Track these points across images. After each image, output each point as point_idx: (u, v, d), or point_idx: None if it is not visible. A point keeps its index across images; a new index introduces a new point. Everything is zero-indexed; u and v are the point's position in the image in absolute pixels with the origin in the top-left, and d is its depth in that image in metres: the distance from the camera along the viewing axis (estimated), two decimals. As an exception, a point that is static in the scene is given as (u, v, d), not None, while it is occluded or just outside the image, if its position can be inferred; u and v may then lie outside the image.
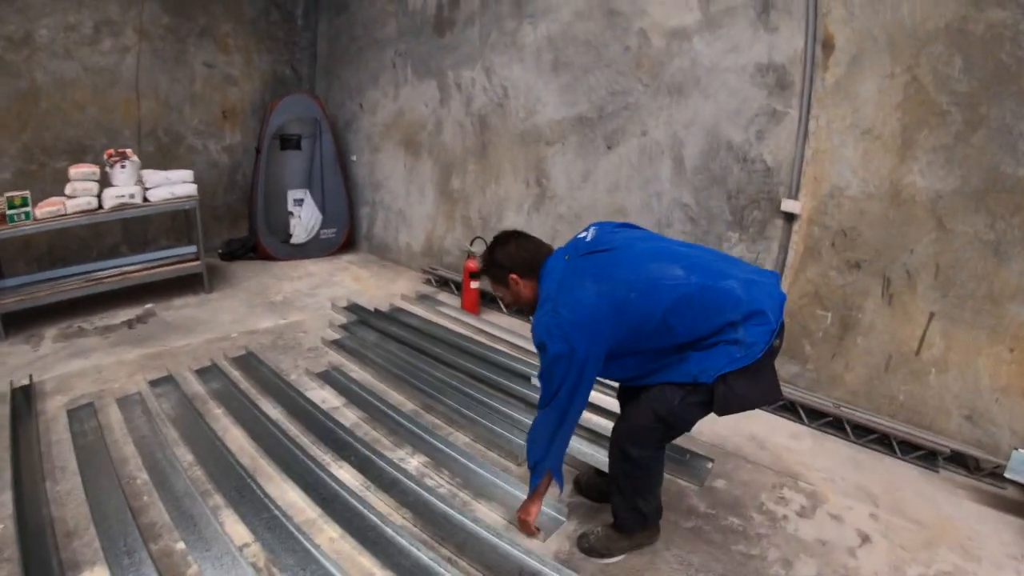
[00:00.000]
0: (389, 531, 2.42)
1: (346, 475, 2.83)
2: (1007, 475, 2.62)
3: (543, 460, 2.24)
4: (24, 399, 3.54)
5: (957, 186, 2.80)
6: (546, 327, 2.06)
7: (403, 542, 2.36)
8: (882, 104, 2.96)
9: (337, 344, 4.31)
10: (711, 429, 3.17)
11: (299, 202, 6.47)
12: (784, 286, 3.37)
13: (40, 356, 4.27)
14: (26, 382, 3.75)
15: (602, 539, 2.38)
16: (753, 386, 2.04)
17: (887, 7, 2.89)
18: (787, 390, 3.30)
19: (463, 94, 5.18)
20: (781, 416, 3.38)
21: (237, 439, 3.14)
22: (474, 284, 4.90)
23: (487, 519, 2.55)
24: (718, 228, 3.65)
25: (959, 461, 2.95)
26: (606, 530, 2.40)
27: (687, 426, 2.23)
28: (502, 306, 4.99)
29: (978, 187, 2.74)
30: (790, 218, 3.33)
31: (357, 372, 3.93)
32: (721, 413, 2.08)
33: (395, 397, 3.61)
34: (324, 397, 3.59)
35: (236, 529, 2.47)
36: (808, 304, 3.36)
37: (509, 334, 4.41)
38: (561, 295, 2.09)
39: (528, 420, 3.18)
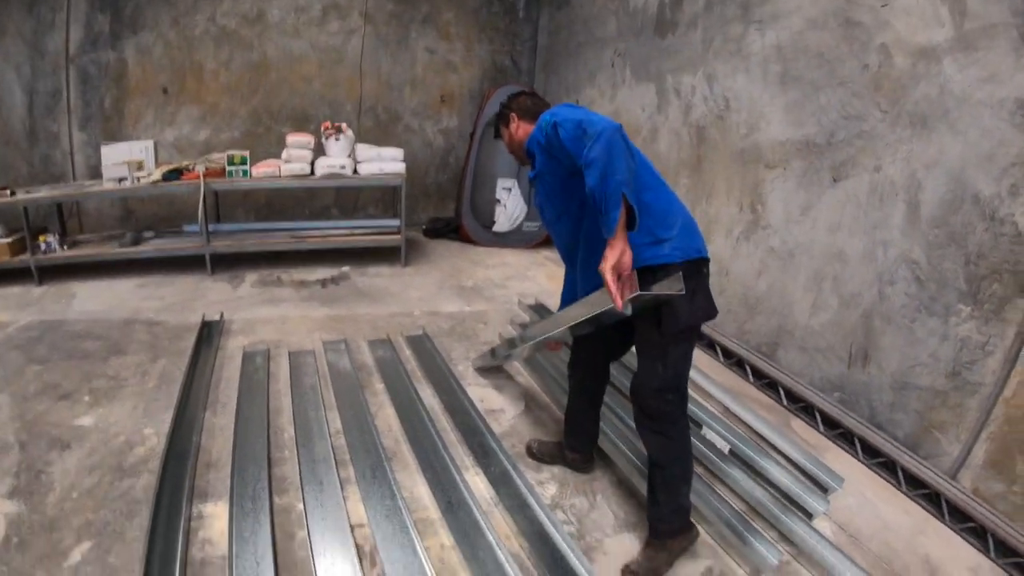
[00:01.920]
0: (501, 556, 2.55)
1: (480, 484, 3.06)
2: None
3: (613, 187, 2.06)
4: (211, 333, 4.47)
5: None
6: (545, 123, 2.39)
7: (510, 572, 2.46)
8: None
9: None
10: (882, 536, 3.00)
11: (507, 191, 7.11)
12: (1012, 383, 3.05)
13: (237, 296, 5.38)
14: (217, 318, 4.74)
15: (645, 566, 2.58)
16: (706, 299, 2.49)
17: None
18: (983, 512, 3.01)
19: (682, 101, 5.24)
20: (967, 540, 3.05)
21: (387, 418, 3.58)
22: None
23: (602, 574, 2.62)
24: (947, 297, 3.36)
25: None
26: (645, 553, 2.64)
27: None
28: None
29: None
30: None
31: (524, 377, 4.21)
32: (683, 324, 2.39)
33: (555, 413, 3.79)
34: (484, 396, 3.90)
35: (356, 508, 2.82)
36: None
37: (692, 370, 4.36)
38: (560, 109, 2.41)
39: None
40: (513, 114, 2.86)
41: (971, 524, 3.04)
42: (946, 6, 3.28)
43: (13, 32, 6.24)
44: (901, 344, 3.59)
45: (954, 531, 3.09)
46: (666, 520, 2.63)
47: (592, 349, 3.03)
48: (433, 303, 5.44)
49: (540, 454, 3.35)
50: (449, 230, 7.57)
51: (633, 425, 2.78)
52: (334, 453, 3.14)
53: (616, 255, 2.05)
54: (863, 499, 3.26)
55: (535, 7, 7.70)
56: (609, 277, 2.03)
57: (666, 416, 2.53)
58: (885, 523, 3.09)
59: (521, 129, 2.83)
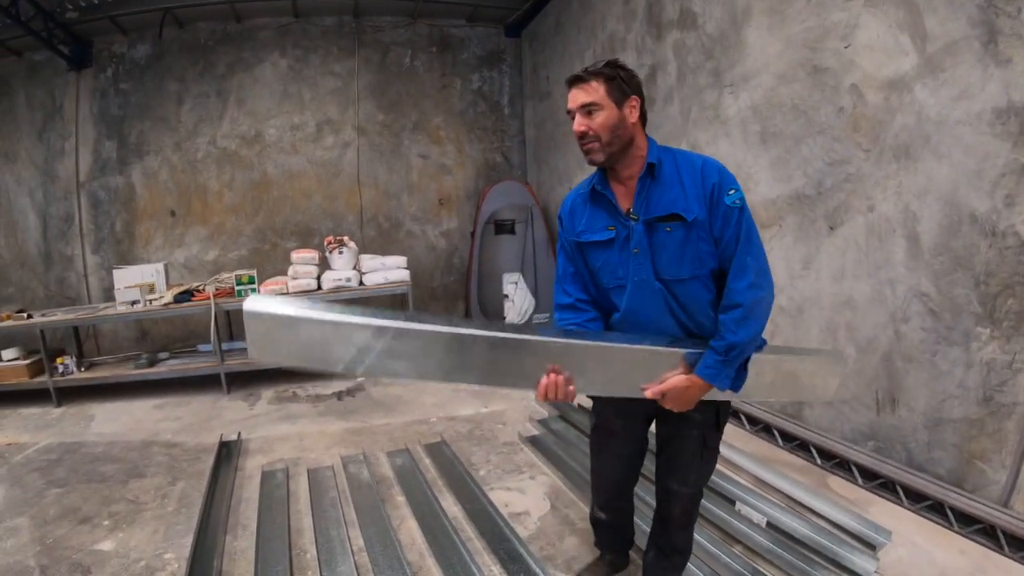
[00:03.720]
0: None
1: (508, 594, 2.93)
2: None
3: (750, 351, 2.14)
4: (229, 454, 4.46)
5: None
6: (734, 190, 2.12)
7: None
8: None
9: (533, 441, 4.55)
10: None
11: (514, 284, 7.20)
12: None
13: (254, 415, 5.37)
14: (234, 438, 4.72)
15: None
16: None
17: None
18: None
19: (669, 176, 5.30)
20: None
21: (411, 531, 3.47)
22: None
23: None
24: (965, 323, 3.25)
25: None
26: None
27: None
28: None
29: None
30: None
31: (548, 476, 4.08)
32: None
33: (581, 509, 3.64)
34: (508, 500, 3.78)
35: (384, 627, 2.70)
36: None
37: (747, 459, 4.20)
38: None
39: (724, 557, 3.04)
40: (635, 98, 2.13)
41: None
42: (906, 34, 3.35)
43: (25, 159, 6.60)
44: (926, 380, 3.46)
45: (1016, 561, 2.90)
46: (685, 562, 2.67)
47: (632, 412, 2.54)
48: (449, 407, 5.40)
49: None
50: None
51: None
52: (357, 572, 3.05)
53: (682, 399, 2.12)
54: (915, 548, 3.06)
55: (519, 102, 8.03)
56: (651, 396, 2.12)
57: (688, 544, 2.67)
58: (942, 570, 2.89)
59: (638, 128, 2.16)
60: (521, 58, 7.90)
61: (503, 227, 7.31)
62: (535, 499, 3.79)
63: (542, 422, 4.81)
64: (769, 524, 3.28)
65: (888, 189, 3.59)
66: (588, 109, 2.08)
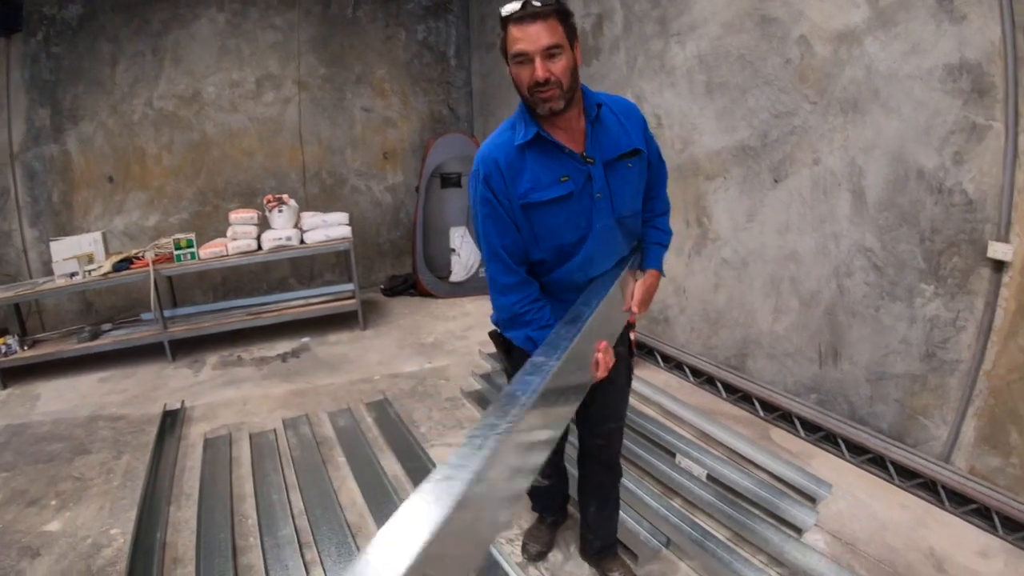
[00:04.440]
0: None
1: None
2: None
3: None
4: (173, 423, 4.24)
5: None
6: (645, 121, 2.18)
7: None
8: None
9: (476, 396, 4.41)
10: (880, 537, 2.75)
11: (460, 238, 6.89)
12: (990, 354, 2.84)
13: (198, 382, 5.12)
14: (178, 407, 4.50)
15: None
16: None
17: None
18: (983, 490, 2.79)
19: (613, 127, 5.07)
20: (971, 522, 2.80)
21: (351, 492, 3.35)
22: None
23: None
24: (908, 279, 3.15)
25: None
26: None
27: None
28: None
29: None
30: (999, 266, 2.76)
31: None
32: None
33: None
34: (447, 456, 3.58)
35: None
36: (1019, 380, 2.75)
37: (661, 395, 4.12)
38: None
39: (662, 511, 2.95)
40: (577, 43, 1.90)
41: (973, 506, 2.81)
42: None
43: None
44: (869, 334, 3.36)
45: (956, 516, 2.86)
46: (614, 536, 2.66)
47: None
48: (393, 365, 5.20)
49: (541, 549, 2.85)
50: (407, 287, 7.33)
51: None
52: (298, 535, 2.94)
53: (651, 296, 2.29)
54: (855, 501, 3.00)
55: (466, 53, 7.60)
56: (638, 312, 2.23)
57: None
58: (882, 522, 2.85)
59: (578, 56, 1.90)
60: (468, 7, 7.44)
61: (449, 180, 6.98)
62: None
63: (485, 377, 4.65)
64: (709, 477, 3.20)
65: (834, 142, 3.44)
66: (551, 52, 1.76)
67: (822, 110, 3.47)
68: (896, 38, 3.03)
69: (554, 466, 2.68)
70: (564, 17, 1.81)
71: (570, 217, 1.98)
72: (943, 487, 2.92)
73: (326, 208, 6.68)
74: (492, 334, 2.39)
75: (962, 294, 2.93)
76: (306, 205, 6.71)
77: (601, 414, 2.40)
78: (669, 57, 4.38)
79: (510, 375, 2.36)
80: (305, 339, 5.90)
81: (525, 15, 1.73)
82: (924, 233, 3.06)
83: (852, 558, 2.63)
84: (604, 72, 5.05)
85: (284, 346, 5.79)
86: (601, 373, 1.88)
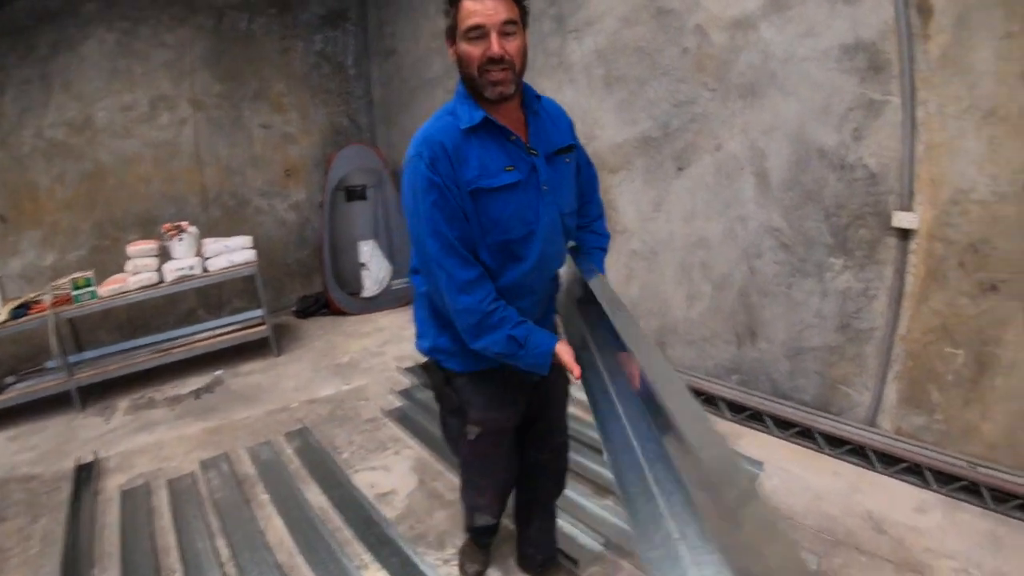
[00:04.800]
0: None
1: (381, 579, 2.59)
2: None
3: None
4: (88, 477, 3.76)
5: None
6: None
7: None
8: (1004, 74, 2.38)
9: (397, 414, 4.13)
10: (817, 507, 2.70)
11: (369, 252, 6.51)
12: (904, 319, 2.84)
13: (110, 429, 4.56)
14: (90, 459, 3.99)
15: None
16: None
17: None
18: (911, 448, 2.81)
19: (516, 127, 4.91)
20: (904, 481, 2.81)
21: (278, 531, 3.05)
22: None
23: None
24: (817, 255, 3.12)
25: None
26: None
27: None
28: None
29: None
30: (905, 234, 2.76)
31: (413, 449, 3.70)
32: None
33: (449, 480, 3.30)
34: (374, 481, 3.40)
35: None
36: (934, 341, 2.76)
37: (581, 391, 3.92)
38: None
39: (598, 511, 2.81)
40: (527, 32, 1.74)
41: (904, 465, 2.84)
42: None
43: None
44: (783, 312, 3.32)
45: (889, 476, 2.86)
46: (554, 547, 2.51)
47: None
48: (310, 390, 4.83)
49: (479, 569, 2.63)
50: (319, 307, 6.84)
51: None
52: None
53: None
54: (789, 475, 2.95)
55: (364, 62, 7.20)
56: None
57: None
58: (817, 493, 2.81)
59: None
60: (366, 15, 7.05)
61: (353, 193, 6.57)
62: (401, 475, 3.43)
63: (404, 393, 4.41)
64: (642, 471, 3.06)
65: (735, 127, 3.39)
66: (507, 28, 1.59)
67: (721, 96, 3.41)
68: (791, 22, 3.00)
69: (505, 499, 2.42)
70: None
71: (518, 209, 1.76)
72: (872, 450, 2.91)
73: (230, 232, 6.15)
74: (427, 366, 2.10)
75: (871, 264, 2.91)
76: (209, 230, 6.13)
77: (548, 428, 2.25)
78: (567, 54, 4.26)
79: (453, 410, 2.09)
80: (218, 372, 5.41)
81: None
82: (829, 209, 3.03)
83: (793, 532, 2.57)
84: (503, 73, 4.89)
85: (197, 381, 5.27)
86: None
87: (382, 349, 5.51)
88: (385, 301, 6.62)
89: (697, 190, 3.67)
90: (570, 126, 2.01)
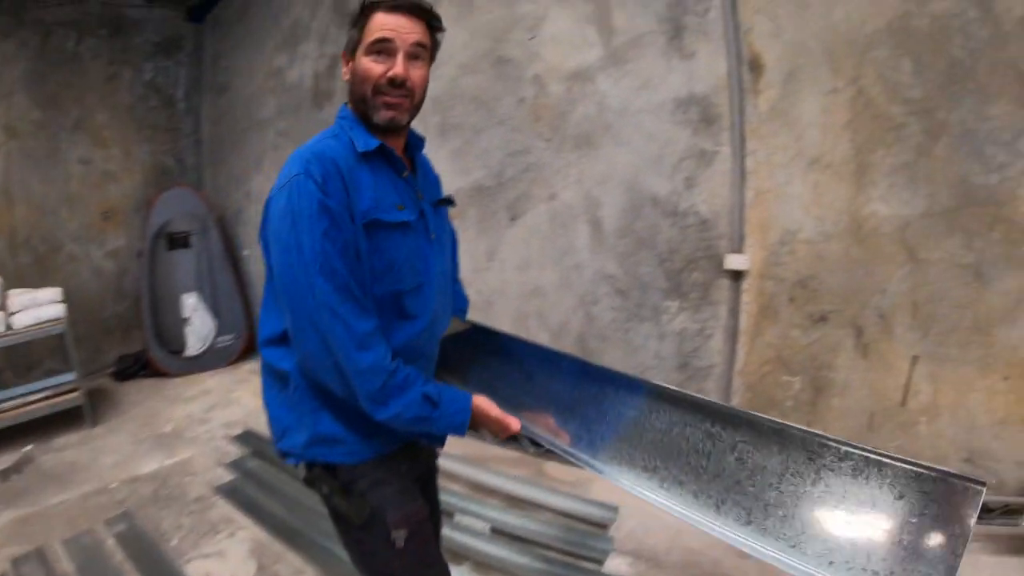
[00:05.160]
0: None
1: None
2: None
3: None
4: None
5: (925, 208, 2.25)
6: None
7: None
8: (828, 126, 2.38)
9: (228, 490, 3.34)
10: (679, 543, 2.45)
11: (193, 307, 5.51)
12: (740, 354, 2.72)
13: None
14: None
15: None
16: None
17: (817, 14, 2.37)
18: None
19: (348, 173, 4.44)
20: None
21: None
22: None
23: None
24: (652, 299, 2.93)
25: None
26: None
27: None
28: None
29: (948, 205, 2.21)
30: (737, 276, 2.66)
31: (249, 530, 2.97)
32: None
33: (292, 563, 2.67)
34: (208, 570, 2.69)
35: None
36: (771, 371, 2.66)
37: (458, 463, 3.38)
38: None
39: None
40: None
41: None
42: (593, 27, 2.97)
43: None
44: (622, 356, 3.10)
45: None
46: None
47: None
48: (131, 466, 3.83)
49: None
50: (139, 367, 5.56)
51: None
52: None
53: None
54: (645, 514, 2.65)
55: (195, 96, 6.24)
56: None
57: None
58: (676, 529, 2.54)
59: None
60: (202, 46, 6.15)
61: (176, 241, 5.52)
62: (238, 561, 2.75)
63: (234, 464, 3.65)
64: (494, 530, 2.65)
65: (569, 177, 3.19)
66: (415, 52, 1.29)
67: (556, 146, 3.21)
68: (628, 75, 2.87)
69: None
70: (435, 29, 1.35)
71: (410, 254, 1.34)
72: None
73: (41, 282, 4.87)
74: (310, 479, 1.41)
75: (706, 305, 2.78)
76: (17, 280, 4.84)
77: (439, 518, 1.77)
78: (405, 100, 3.91)
79: (364, 524, 1.36)
80: (27, 448, 4.19)
81: (401, 5, 1.27)
82: (663, 254, 2.87)
83: (658, 572, 2.31)
84: (330, 118, 4.40)
85: (3, 460, 4.03)
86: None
87: (208, 415, 4.59)
88: (210, 360, 5.58)
89: (531, 239, 3.40)
90: (439, 180, 1.68)
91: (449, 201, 1.56)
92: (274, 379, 1.40)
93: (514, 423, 1.31)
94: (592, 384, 1.38)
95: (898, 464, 0.95)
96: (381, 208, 1.27)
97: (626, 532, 2.56)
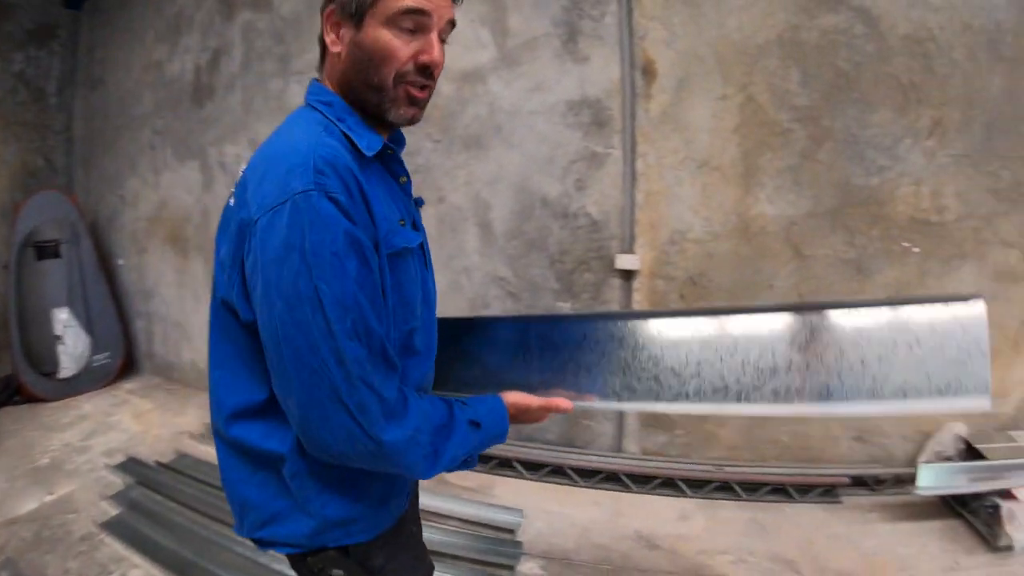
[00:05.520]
0: None
1: None
2: (919, 492, 2.15)
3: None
4: None
5: (809, 208, 2.21)
6: None
7: None
8: (718, 131, 2.28)
9: (115, 526, 2.68)
10: (587, 540, 2.25)
11: (64, 323, 4.59)
12: None
13: None
14: None
15: None
16: None
17: (711, 23, 2.26)
18: (661, 464, 2.56)
19: (227, 175, 3.88)
20: (662, 495, 2.53)
21: None
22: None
23: None
24: (544, 300, 2.70)
25: (858, 482, 2.46)
26: None
27: None
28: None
29: (831, 205, 2.19)
30: (628, 275, 2.49)
31: (141, 568, 2.38)
32: None
33: None
34: None
35: None
36: None
37: None
38: None
39: None
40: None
41: (657, 480, 2.55)
42: (487, 28, 2.71)
43: None
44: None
45: (646, 494, 2.57)
46: None
47: None
48: (7, 507, 2.98)
49: None
50: (10, 393, 4.56)
51: None
52: None
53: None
54: (551, 515, 2.43)
55: (69, 91, 5.28)
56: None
57: None
58: (583, 526, 2.36)
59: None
60: (78, 35, 5.13)
61: (45, 251, 4.47)
62: None
63: (119, 496, 2.93)
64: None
65: (458, 179, 2.91)
66: (447, 34, 0.89)
67: (445, 148, 2.92)
68: (521, 77, 2.64)
69: None
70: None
71: (420, 281, 0.97)
72: (625, 474, 2.59)
73: None
74: (323, 565, 0.98)
75: (597, 304, 2.60)
76: None
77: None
78: (288, 97, 3.47)
79: None
80: None
81: None
82: (554, 256, 2.65)
83: (571, 572, 2.09)
84: (217, 115, 3.87)
85: None
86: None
87: (87, 443, 3.76)
88: (86, 381, 4.61)
89: (420, 241, 3.07)
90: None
91: (420, 202, 1.12)
92: (248, 460, 0.95)
93: (561, 402, 1.03)
94: (571, 333, 1.15)
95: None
96: (394, 229, 0.88)
97: (534, 534, 2.30)
